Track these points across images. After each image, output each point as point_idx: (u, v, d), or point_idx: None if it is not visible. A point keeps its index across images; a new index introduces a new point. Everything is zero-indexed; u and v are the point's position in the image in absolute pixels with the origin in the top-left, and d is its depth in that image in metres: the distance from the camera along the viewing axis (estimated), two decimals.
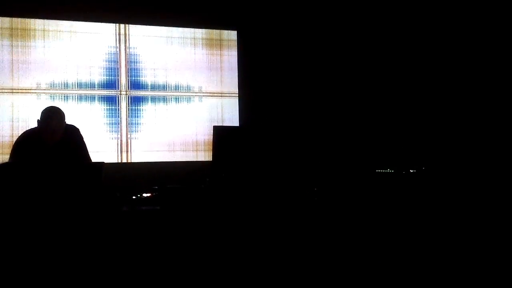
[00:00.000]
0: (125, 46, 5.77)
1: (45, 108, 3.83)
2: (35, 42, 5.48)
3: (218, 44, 6.13)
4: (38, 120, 3.77)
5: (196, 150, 5.92)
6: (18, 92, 5.39)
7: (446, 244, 3.72)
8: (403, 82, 6.00)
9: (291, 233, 3.42)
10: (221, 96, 6.10)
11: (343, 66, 6.18)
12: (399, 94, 6.00)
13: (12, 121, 5.36)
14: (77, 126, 4.04)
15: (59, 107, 3.84)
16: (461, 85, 5.60)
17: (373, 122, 6.01)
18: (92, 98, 5.62)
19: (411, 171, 4.30)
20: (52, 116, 3.74)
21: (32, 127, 3.92)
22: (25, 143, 3.80)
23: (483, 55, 5.42)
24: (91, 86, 5.63)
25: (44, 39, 5.50)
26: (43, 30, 5.51)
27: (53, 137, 3.74)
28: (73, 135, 3.96)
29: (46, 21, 5.53)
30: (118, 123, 5.69)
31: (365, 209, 3.73)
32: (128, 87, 5.75)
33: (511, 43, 5.21)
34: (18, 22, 5.44)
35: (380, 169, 4.35)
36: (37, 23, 5.50)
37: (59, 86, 5.52)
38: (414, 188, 4.15)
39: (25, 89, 5.42)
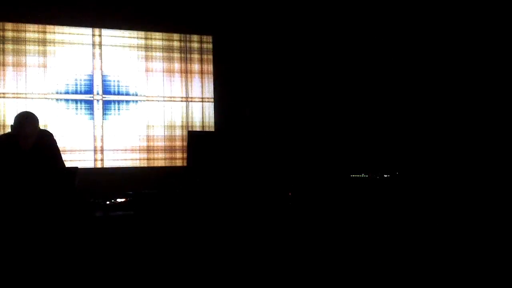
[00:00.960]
0: (100, 51, 5.74)
1: (18, 113, 3.80)
2: (9, 46, 5.43)
3: (194, 49, 6.13)
4: (11, 125, 3.75)
5: (170, 155, 5.91)
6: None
7: (420, 247, 3.77)
8: (377, 88, 6.05)
9: (266, 238, 3.44)
10: (198, 101, 6.09)
11: (318, 70, 6.22)
12: (372, 101, 6.05)
13: None
14: (50, 131, 4.01)
15: (33, 112, 3.81)
16: (436, 90, 5.67)
17: (348, 127, 6.05)
18: (66, 102, 5.57)
19: (385, 176, 4.35)
20: (25, 121, 3.72)
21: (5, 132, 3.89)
22: None
23: (466, 64, 5.50)
24: (65, 91, 5.58)
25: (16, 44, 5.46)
26: (16, 34, 5.46)
27: (26, 142, 3.71)
28: (47, 140, 3.94)
29: (20, 25, 5.48)
30: (92, 128, 5.65)
31: (339, 214, 3.76)
32: (102, 92, 5.71)
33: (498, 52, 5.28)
34: None
35: (355, 174, 4.39)
36: (11, 27, 5.45)
37: (33, 91, 5.47)
38: (388, 193, 4.19)
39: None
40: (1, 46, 5.40)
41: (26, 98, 5.46)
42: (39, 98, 5.49)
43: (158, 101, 5.93)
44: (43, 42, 5.58)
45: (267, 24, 6.20)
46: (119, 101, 5.80)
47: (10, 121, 3.75)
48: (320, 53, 6.23)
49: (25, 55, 5.50)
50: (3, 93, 5.38)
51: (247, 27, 6.17)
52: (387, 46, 5.94)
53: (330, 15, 6.19)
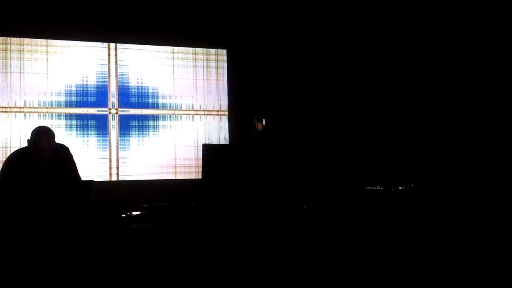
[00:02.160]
0: (116, 65, 5.78)
1: (35, 128, 3.84)
2: (18, 61, 5.49)
3: (209, 63, 6.16)
4: (28, 139, 3.79)
5: (188, 168, 5.93)
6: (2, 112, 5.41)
7: (436, 260, 3.73)
8: (390, 99, 6.04)
9: (281, 251, 3.43)
10: (213, 114, 6.12)
11: (332, 83, 6.23)
12: (386, 113, 6.04)
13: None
14: (67, 145, 4.05)
15: (49, 126, 3.85)
16: (448, 103, 5.65)
17: (362, 139, 6.04)
18: (82, 116, 5.62)
19: (400, 188, 4.32)
20: (41, 136, 3.75)
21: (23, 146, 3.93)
22: (15, 162, 3.80)
23: (468, 71, 5.48)
24: (81, 104, 5.63)
25: (24, 58, 5.52)
26: (24, 47, 5.53)
27: (42, 157, 3.74)
28: (63, 154, 3.97)
29: (33, 40, 5.55)
30: (108, 141, 5.69)
31: (354, 227, 3.74)
32: (118, 105, 5.75)
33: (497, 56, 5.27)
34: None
35: (370, 186, 4.37)
36: (25, 42, 5.51)
37: (48, 105, 5.52)
38: (403, 205, 4.17)
39: (10, 107, 5.42)
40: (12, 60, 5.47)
41: (36, 112, 5.51)
42: (53, 112, 5.54)
43: (173, 114, 5.96)
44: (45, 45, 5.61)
45: (281, 37, 6.23)
46: (138, 116, 5.82)
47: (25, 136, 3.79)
48: (333, 65, 6.24)
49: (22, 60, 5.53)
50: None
51: (261, 40, 6.20)
52: (403, 58, 5.95)
53: (343, 28, 6.21)
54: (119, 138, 5.73)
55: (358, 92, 6.17)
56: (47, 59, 5.55)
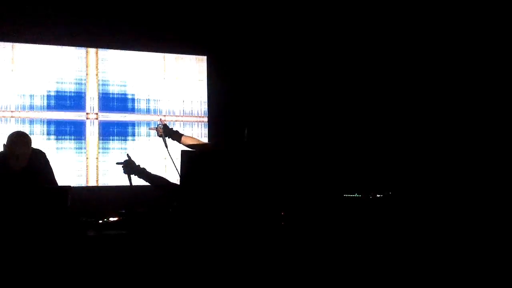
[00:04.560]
0: (96, 70, 5.74)
1: (11, 133, 3.81)
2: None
3: (190, 69, 6.15)
4: (4, 144, 3.75)
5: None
6: None
7: (414, 268, 3.76)
8: (369, 108, 6.09)
9: (259, 257, 3.43)
10: (194, 120, 6.10)
11: (312, 89, 6.25)
12: (364, 121, 6.09)
13: None
14: (43, 150, 4.01)
15: (25, 131, 3.82)
16: (427, 110, 5.70)
17: (341, 147, 6.07)
18: (59, 121, 5.56)
19: (378, 195, 4.36)
20: (17, 141, 3.73)
21: None
22: None
23: (452, 77, 5.53)
24: (60, 108, 5.56)
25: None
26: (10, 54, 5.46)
27: (18, 162, 3.71)
28: (39, 159, 3.94)
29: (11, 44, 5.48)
30: (84, 146, 5.63)
31: (333, 234, 3.76)
32: (98, 109, 5.70)
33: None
34: None
35: (348, 194, 4.39)
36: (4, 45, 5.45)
37: (24, 109, 5.45)
38: (381, 213, 4.20)
39: None
40: None
41: (14, 117, 5.44)
42: (28, 116, 5.47)
43: (151, 120, 5.93)
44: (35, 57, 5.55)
45: (262, 43, 6.24)
46: (118, 123, 5.78)
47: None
48: (313, 71, 6.27)
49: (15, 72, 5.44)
50: None
51: (242, 45, 6.21)
52: (384, 67, 6.00)
53: (326, 33, 6.24)
54: (99, 144, 5.68)
55: (337, 100, 6.20)
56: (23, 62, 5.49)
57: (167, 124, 4.20)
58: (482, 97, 5.29)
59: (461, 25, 5.46)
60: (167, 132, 4.12)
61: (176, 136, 4.15)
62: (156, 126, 4.12)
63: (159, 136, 4.12)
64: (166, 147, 4.02)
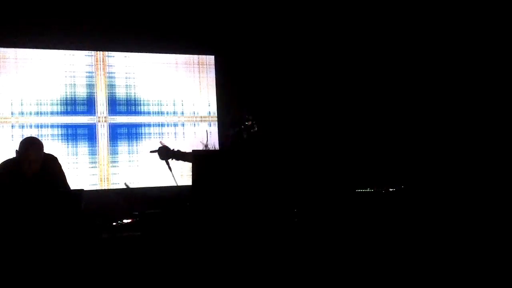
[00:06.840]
0: (104, 72, 5.75)
1: (23, 139, 3.84)
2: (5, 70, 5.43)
3: (198, 69, 6.15)
4: (16, 150, 3.77)
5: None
6: None
7: (428, 263, 3.75)
8: (379, 102, 6.07)
9: (273, 255, 3.43)
10: (203, 120, 6.10)
11: (321, 85, 6.24)
12: (375, 115, 6.07)
13: None
14: (55, 155, 4.03)
15: (37, 137, 3.85)
16: (437, 105, 5.68)
17: (353, 142, 6.05)
18: (70, 126, 5.58)
19: (391, 190, 4.34)
20: (29, 147, 3.75)
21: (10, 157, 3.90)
22: (3, 173, 3.78)
23: (463, 74, 5.51)
24: (70, 113, 5.58)
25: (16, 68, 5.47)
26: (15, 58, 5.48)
27: (31, 168, 3.73)
28: (51, 164, 3.96)
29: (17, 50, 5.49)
30: (97, 150, 5.65)
31: (346, 229, 3.75)
32: (108, 113, 5.71)
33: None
34: None
35: (360, 189, 4.38)
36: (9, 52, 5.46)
37: (35, 115, 5.47)
38: (394, 207, 4.18)
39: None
40: None
41: (23, 122, 5.45)
42: (39, 122, 5.49)
43: (163, 122, 5.94)
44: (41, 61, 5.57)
45: (270, 42, 6.24)
46: (128, 124, 5.79)
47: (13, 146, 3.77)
48: (321, 68, 6.26)
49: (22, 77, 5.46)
50: None
51: (249, 45, 6.20)
52: (388, 63, 5.98)
53: (331, 33, 6.23)
54: (109, 147, 5.69)
55: (346, 95, 6.19)
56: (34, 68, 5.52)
57: (168, 146, 4.13)
58: (498, 89, 5.27)
59: (461, 25, 5.44)
60: (169, 155, 4.08)
61: (179, 156, 4.11)
62: (157, 150, 4.08)
63: (162, 160, 4.08)
64: (170, 170, 3.98)
